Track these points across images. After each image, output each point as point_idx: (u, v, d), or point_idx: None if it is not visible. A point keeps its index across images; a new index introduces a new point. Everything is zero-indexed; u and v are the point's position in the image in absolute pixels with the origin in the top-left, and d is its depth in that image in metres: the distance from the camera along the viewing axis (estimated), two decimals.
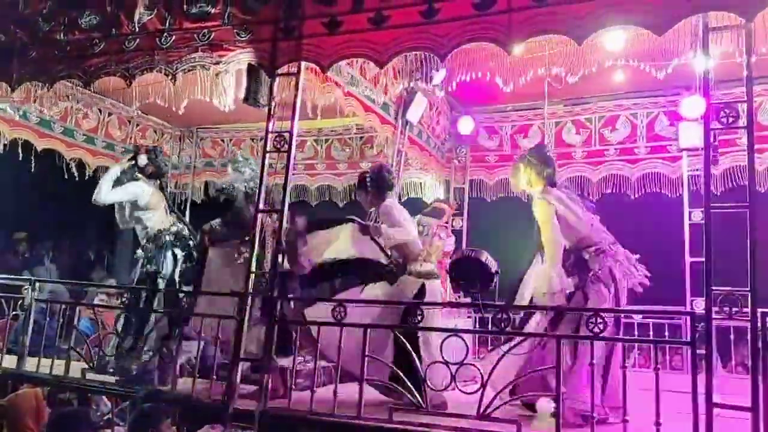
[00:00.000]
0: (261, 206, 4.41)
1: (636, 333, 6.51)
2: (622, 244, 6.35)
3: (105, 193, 5.50)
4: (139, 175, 5.71)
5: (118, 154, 7.84)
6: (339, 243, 4.69)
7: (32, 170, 6.94)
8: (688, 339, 3.40)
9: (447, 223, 7.23)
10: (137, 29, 4.88)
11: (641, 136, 7.11)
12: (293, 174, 4.64)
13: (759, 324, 3.14)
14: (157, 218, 5.67)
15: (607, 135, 7.26)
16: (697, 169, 6.68)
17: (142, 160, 5.69)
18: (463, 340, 3.89)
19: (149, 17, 4.87)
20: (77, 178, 7.34)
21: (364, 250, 4.65)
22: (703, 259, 3.40)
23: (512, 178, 4.84)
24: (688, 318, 3.40)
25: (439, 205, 7.18)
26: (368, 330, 4.02)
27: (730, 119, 3.45)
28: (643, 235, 7.23)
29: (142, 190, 5.62)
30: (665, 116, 6.99)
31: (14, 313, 6.05)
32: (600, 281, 4.23)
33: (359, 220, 4.78)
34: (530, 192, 4.68)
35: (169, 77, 4.74)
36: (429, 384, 3.86)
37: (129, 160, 5.74)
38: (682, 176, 6.89)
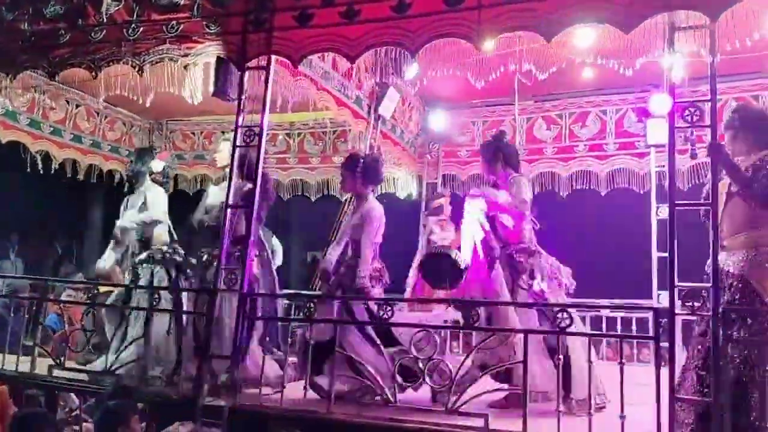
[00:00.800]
0: (230, 202, 4.38)
1: (604, 326, 6.64)
2: (593, 238, 6.52)
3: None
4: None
5: (85, 146, 7.72)
6: None
7: None
8: (652, 334, 3.45)
9: (446, 216, 7.27)
10: (104, 20, 4.81)
11: (610, 133, 7.20)
12: (265, 167, 4.60)
13: (720, 321, 3.20)
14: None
15: (577, 131, 7.34)
16: (663, 166, 6.78)
17: (158, 165, 5.61)
18: (433, 335, 3.92)
19: (116, 8, 4.79)
20: (42, 171, 7.17)
21: None
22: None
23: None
24: (652, 313, 3.44)
25: (437, 203, 7.23)
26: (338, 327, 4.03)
27: (695, 118, 3.51)
28: (612, 229, 7.37)
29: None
30: (634, 113, 7.08)
31: None
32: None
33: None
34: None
35: (137, 69, 4.68)
36: (398, 378, 3.89)
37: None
38: (650, 172, 6.99)
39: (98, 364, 4.97)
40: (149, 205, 5.44)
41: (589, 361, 3.56)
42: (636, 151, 7.11)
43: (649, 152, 6.96)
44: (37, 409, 4.27)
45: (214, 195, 5.15)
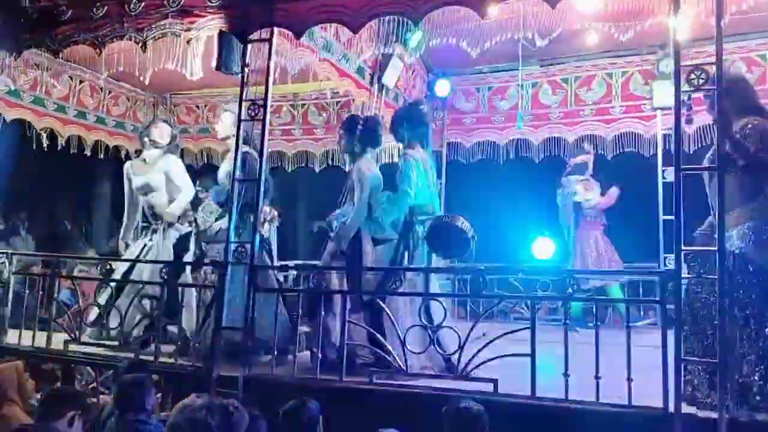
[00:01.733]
0: (238, 175, 4.40)
1: None
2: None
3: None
4: None
5: (90, 122, 7.72)
6: None
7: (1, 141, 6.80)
8: (658, 298, 3.48)
9: (589, 175, 7.27)
10: None
11: (616, 96, 7.14)
12: (270, 140, 4.61)
13: (726, 283, 3.23)
14: None
15: (582, 95, 7.28)
16: (670, 128, 6.72)
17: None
18: (442, 303, 3.97)
19: None
20: (46, 149, 7.19)
21: None
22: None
23: None
24: (658, 277, 3.46)
25: (579, 159, 7.18)
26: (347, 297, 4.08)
27: (701, 81, 3.49)
28: (620, 193, 7.36)
29: None
30: (640, 75, 7.02)
31: None
32: None
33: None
34: None
35: (140, 45, 4.67)
36: (408, 347, 3.94)
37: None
38: (656, 135, 6.96)
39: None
40: (178, 181, 5.70)
41: (596, 325, 3.60)
42: (642, 114, 7.06)
43: (656, 115, 6.91)
44: (66, 386, 4.36)
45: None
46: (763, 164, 3.46)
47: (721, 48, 3.48)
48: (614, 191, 7.27)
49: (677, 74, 3.56)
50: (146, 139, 5.85)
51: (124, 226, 6.06)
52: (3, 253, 5.48)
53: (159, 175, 5.72)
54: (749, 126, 3.53)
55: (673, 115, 3.56)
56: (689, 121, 3.50)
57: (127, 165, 6.04)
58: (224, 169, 5.15)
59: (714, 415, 3.14)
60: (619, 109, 7.15)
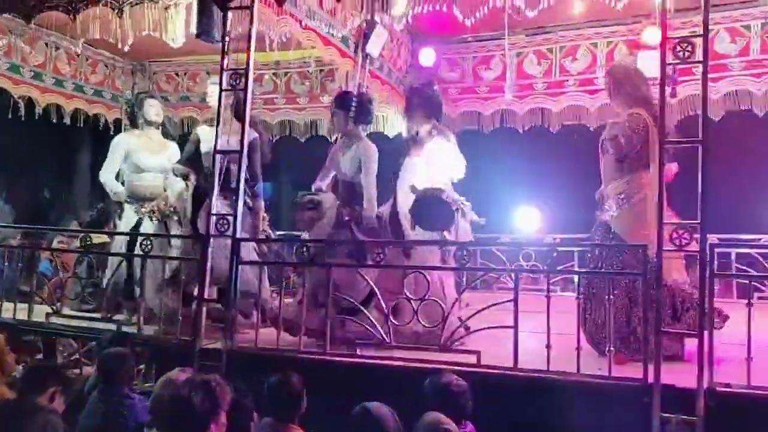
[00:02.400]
0: (219, 147, 4.34)
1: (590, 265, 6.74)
2: (582, 174, 6.52)
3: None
4: None
5: (68, 90, 7.56)
6: None
7: None
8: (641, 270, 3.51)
9: None
10: None
11: (600, 66, 7.08)
12: (252, 109, 4.54)
13: (707, 256, 3.26)
14: None
15: (567, 65, 7.23)
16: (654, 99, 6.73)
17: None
18: (425, 276, 3.97)
19: None
20: (24, 118, 7.04)
21: None
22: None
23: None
24: (640, 250, 3.49)
25: None
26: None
27: (686, 53, 3.47)
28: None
29: None
30: (625, 46, 6.97)
31: None
32: None
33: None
34: None
35: (115, 11, 4.54)
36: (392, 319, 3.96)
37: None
38: None
39: None
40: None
41: (578, 298, 3.64)
42: None
43: None
44: (48, 363, 4.34)
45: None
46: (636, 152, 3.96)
47: (707, 20, 3.46)
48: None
49: (663, 46, 3.53)
50: (141, 120, 5.73)
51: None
52: None
53: (167, 163, 5.64)
54: (633, 116, 3.99)
55: (658, 87, 3.55)
56: (673, 95, 3.50)
57: (127, 139, 5.83)
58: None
59: (692, 385, 3.19)
60: (603, 79, 7.09)
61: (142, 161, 5.61)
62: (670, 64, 3.52)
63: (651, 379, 3.25)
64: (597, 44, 7.11)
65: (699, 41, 3.48)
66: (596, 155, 7.36)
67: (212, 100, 5.19)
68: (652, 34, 6.16)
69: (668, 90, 3.55)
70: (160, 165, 5.64)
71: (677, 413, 3.17)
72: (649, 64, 6.24)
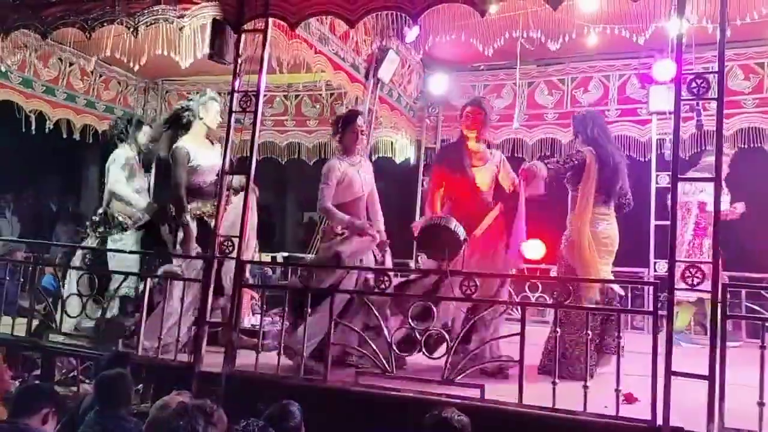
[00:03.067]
0: (227, 167, 4.32)
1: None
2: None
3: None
4: None
5: (80, 105, 7.59)
6: None
7: None
8: (651, 308, 3.44)
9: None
10: None
11: (613, 99, 7.09)
12: (262, 130, 4.53)
13: (719, 297, 3.19)
14: None
15: (579, 96, 7.23)
16: (665, 133, 6.72)
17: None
18: (431, 306, 3.91)
19: None
20: (34, 132, 7.06)
21: None
22: (668, 222, 3.44)
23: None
24: (651, 288, 3.42)
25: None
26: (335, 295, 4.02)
27: (701, 89, 3.43)
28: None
29: None
30: (637, 79, 6.97)
31: None
32: None
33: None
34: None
35: (131, 30, 4.55)
36: (395, 349, 3.89)
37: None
38: (651, 139, 6.92)
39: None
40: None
41: (587, 333, 3.56)
42: (637, 118, 7.02)
43: (651, 119, 6.87)
44: (41, 384, 4.27)
45: (206, 157, 5.06)
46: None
47: (723, 57, 3.43)
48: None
49: (678, 82, 3.50)
50: (131, 141, 5.74)
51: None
52: None
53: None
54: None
55: (672, 122, 3.52)
56: (699, 126, 3.47)
57: (130, 153, 5.78)
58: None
59: (701, 429, 3.10)
60: (615, 112, 7.10)
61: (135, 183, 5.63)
62: (684, 99, 3.49)
63: (660, 421, 3.16)
64: (609, 77, 7.11)
65: (714, 77, 3.45)
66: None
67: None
68: (663, 69, 6.16)
69: (693, 122, 3.51)
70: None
71: None
72: (660, 98, 6.28)
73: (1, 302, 5.07)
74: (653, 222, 6.74)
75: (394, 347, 3.90)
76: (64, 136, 7.56)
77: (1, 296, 5.08)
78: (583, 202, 4.45)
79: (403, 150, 7.78)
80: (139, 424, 3.17)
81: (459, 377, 3.72)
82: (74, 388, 5.57)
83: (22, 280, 5.14)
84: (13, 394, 3.39)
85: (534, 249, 7.44)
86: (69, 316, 4.86)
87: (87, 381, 5.28)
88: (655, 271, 6.61)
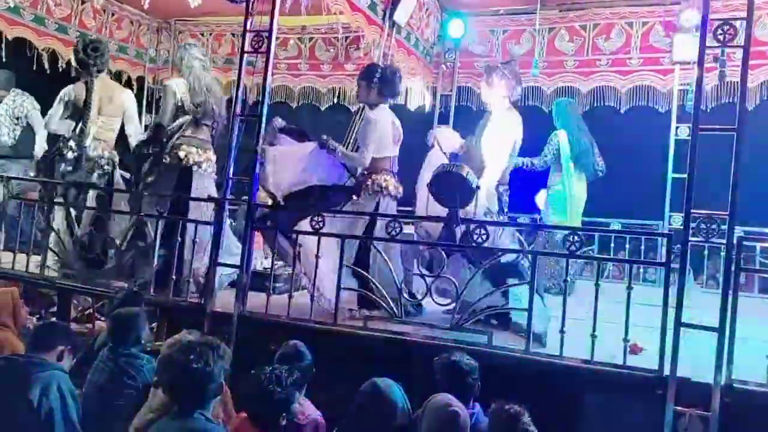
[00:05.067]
0: (238, 111, 4.27)
1: (612, 245, 6.63)
2: (607, 157, 6.40)
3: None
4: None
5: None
6: (301, 167, 4.53)
7: (2, 60, 6.61)
8: (663, 260, 3.41)
9: None
10: None
11: (635, 47, 6.90)
12: (275, 74, 4.46)
13: (735, 249, 3.15)
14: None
15: (600, 44, 7.03)
16: (687, 84, 6.55)
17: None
18: (441, 252, 3.90)
19: None
20: (48, 71, 7.01)
21: (324, 173, 4.55)
22: (685, 176, 3.38)
23: (485, 88, 4.70)
24: (665, 239, 3.38)
25: None
26: (344, 241, 4.02)
27: (727, 37, 3.31)
28: (629, 148, 7.19)
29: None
30: (661, 27, 6.76)
31: None
32: None
33: (322, 141, 4.54)
34: (494, 104, 4.59)
35: None
36: (405, 295, 3.91)
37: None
38: (673, 90, 6.76)
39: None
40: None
41: (597, 284, 3.54)
42: (660, 68, 6.84)
43: (674, 69, 6.69)
44: (57, 322, 4.36)
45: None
46: None
47: (752, 2, 3.29)
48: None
49: (703, 28, 3.37)
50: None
51: None
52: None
53: None
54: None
55: (695, 71, 3.40)
56: (722, 76, 3.36)
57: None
58: None
59: (708, 380, 3.11)
60: (637, 61, 6.92)
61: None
62: (710, 47, 3.36)
63: (667, 371, 3.17)
64: (632, 24, 6.90)
65: (741, 24, 3.32)
66: (621, 138, 7.26)
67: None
68: (690, 16, 5.97)
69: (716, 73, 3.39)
70: None
71: (691, 407, 3.10)
72: (684, 47, 6.11)
73: (17, 240, 5.12)
74: (671, 174, 6.64)
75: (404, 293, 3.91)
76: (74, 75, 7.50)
77: (17, 233, 5.13)
78: None
79: (418, 97, 7.65)
80: (151, 361, 3.23)
81: (467, 323, 3.74)
82: (89, 325, 5.71)
83: (34, 219, 5.17)
84: (31, 331, 3.46)
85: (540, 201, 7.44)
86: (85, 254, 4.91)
87: (102, 318, 5.38)
88: (671, 224, 6.55)
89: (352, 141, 4.69)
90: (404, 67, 7.03)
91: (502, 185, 4.60)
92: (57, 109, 5.28)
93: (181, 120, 4.89)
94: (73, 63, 5.39)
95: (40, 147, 6.07)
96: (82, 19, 7.35)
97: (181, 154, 4.80)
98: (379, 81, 4.53)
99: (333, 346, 3.73)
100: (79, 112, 5.25)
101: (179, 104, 4.88)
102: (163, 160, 4.85)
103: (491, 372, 3.05)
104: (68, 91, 5.29)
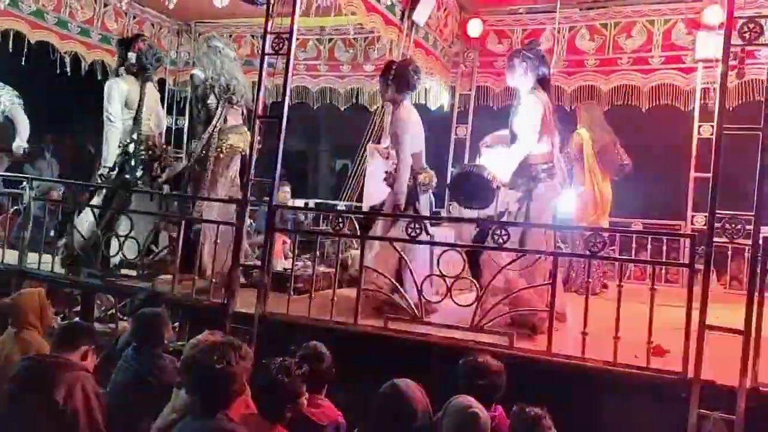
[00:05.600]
0: (260, 112, 4.29)
1: (633, 246, 6.55)
2: (629, 156, 6.35)
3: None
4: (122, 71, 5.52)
5: (114, 47, 7.58)
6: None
7: (24, 63, 6.70)
8: (687, 261, 3.37)
9: None
10: None
11: (656, 45, 6.83)
12: (294, 75, 4.48)
13: (760, 250, 3.10)
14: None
15: (621, 42, 6.98)
16: (711, 82, 6.47)
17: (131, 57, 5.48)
18: (461, 253, 3.89)
19: None
20: (70, 73, 7.10)
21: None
22: (708, 175, 3.33)
23: (508, 73, 4.67)
24: (688, 240, 3.34)
25: None
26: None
27: (753, 35, 3.26)
28: (650, 147, 7.14)
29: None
30: (683, 24, 6.68)
31: (14, 208, 6.08)
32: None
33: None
34: (520, 87, 4.55)
35: None
36: (424, 296, 3.90)
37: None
38: (695, 89, 6.68)
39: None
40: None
41: (620, 285, 3.51)
42: (682, 66, 6.77)
43: (697, 67, 6.61)
44: (80, 322, 4.42)
45: None
46: None
47: None
48: None
49: (728, 26, 3.33)
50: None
51: None
52: (24, 177, 5.49)
53: None
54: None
55: (719, 69, 3.35)
56: (741, 76, 3.29)
57: None
58: None
59: (733, 383, 3.06)
60: (659, 59, 6.85)
61: None
62: (735, 45, 3.31)
63: (691, 373, 3.14)
64: (654, 22, 6.83)
65: (766, 22, 3.27)
66: (642, 137, 7.19)
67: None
68: (714, 13, 5.90)
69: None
70: None
71: (716, 411, 3.06)
72: (708, 45, 6.04)
73: (42, 240, 5.19)
74: (693, 174, 6.56)
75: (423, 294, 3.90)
76: (99, 77, 7.59)
77: (42, 234, 5.20)
78: None
79: (438, 97, 7.64)
80: (174, 362, 3.26)
81: (488, 324, 3.72)
82: (112, 325, 5.77)
83: (59, 219, 5.25)
84: (55, 331, 3.50)
85: (567, 201, 7.38)
86: (107, 255, 4.96)
87: (124, 318, 5.44)
88: (692, 224, 6.47)
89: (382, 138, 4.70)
90: (423, 67, 7.03)
91: None
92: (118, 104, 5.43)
93: (218, 112, 5.02)
94: (132, 60, 5.46)
95: (22, 141, 6.12)
96: (104, 21, 7.44)
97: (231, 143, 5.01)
98: (394, 77, 4.55)
99: (353, 347, 3.73)
100: (131, 111, 5.44)
101: (208, 88, 4.99)
102: (219, 154, 5.00)
103: (512, 373, 3.03)
104: (120, 89, 5.42)
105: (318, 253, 4.47)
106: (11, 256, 5.28)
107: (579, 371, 3.40)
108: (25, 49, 6.63)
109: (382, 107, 4.97)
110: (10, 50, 6.51)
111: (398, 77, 4.58)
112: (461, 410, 2.56)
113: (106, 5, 7.38)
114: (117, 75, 5.52)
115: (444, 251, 3.90)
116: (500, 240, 3.65)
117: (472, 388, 2.82)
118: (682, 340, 3.23)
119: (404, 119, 4.52)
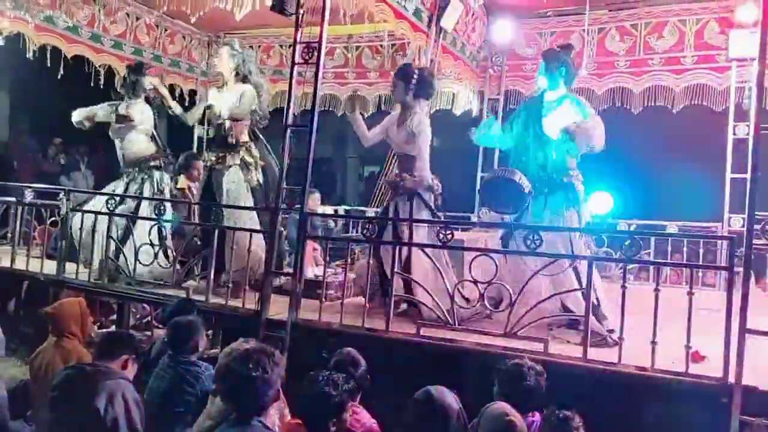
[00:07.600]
0: (290, 121, 4.33)
1: (669, 248, 6.43)
2: (662, 157, 6.25)
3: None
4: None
5: (146, 60, 7.72)
6: None
7: (60, 77, 6.88)
8: (726, 264, 3.29)
9: None
10: None
11: (689, 45, 6.72)
12: (322, 82, 4.52)
13: None
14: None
15: (652, 43, 6.88)
16: (745, 81, 6.34)
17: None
18: (493, 259, 3.86)
19: None
20: (103, 86, 7.25)
21: None
22: (745, 176, 3.27)
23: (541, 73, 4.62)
24: (726, 243, 3.27)
25: None
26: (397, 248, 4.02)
27: None
28: (684, 148, 7.01)
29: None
30: (716, 23, 6.56)
31: (52, 219, 6.22)
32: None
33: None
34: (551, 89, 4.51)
35: None
36: (457, 302, 3.88)
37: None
38: (729, 88, 6.55)
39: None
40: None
41: (657, 289, 3.45)
42: (715, 65, 6.64)
43: (730, 66, 6.49)
44: (122, 331, 4.51)
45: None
46: None
47: None
48: None
49: (764, 24, 3.26)
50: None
51: None
52: (61, 189, 5.61)
53: None
54: None
55: (756, 68, 3.29)
56: None
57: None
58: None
59: None
60: (691, 59, 6.73)
61: None
62: None
63: (732, 378, 3.06)
64: (685, 21, 6.72)
65: None
66: (675, 138, 7.05)
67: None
68: (747, 11, 5.79)
69: None
70: None
71: (758, 417, 2.98)
72: (741, 43, 5.92)
73: (79, 251, 5.30)
74: (729, 175, 6.43)
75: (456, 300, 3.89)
76: None
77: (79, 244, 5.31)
78: None
79: (465, 102, 7.61)
80: (209, 368, 3.30)
81: (521, 330, 3.68)
82: (148, 333, 5.86)
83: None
84: (97, 340, 3.56)
85: (601, 202, 7.27)
86: (142, 264, 5.05)
87: (160, 327, 5.52)
88: (729, 225, 6.33)
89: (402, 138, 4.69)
90: (451, 72, 7.03)
91: None
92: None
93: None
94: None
95: None
96: (136, 35, 7.59)
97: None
98: (418, 83, 4.55)
99: (386, 354, 3.72)
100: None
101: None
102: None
103: (548, 380, 2.99)
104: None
105: (349, 260, 4.48)
106: (49, 267, 5.39)
107: (616, 377, 3.34)
108: (62, 64, 6.83)
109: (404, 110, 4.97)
110: (48, 64, 6.69)
111: (421, 83, 4.59)
112: (497, 417, 2.54)
113: (137, 19, 7.53)
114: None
115: (476, 256, 3.87)
116: (532, 245, 3.63)
117: (509, 394, 2.79)
118: (718, 346, 3.17)
119: (426, 124, 4.57)
